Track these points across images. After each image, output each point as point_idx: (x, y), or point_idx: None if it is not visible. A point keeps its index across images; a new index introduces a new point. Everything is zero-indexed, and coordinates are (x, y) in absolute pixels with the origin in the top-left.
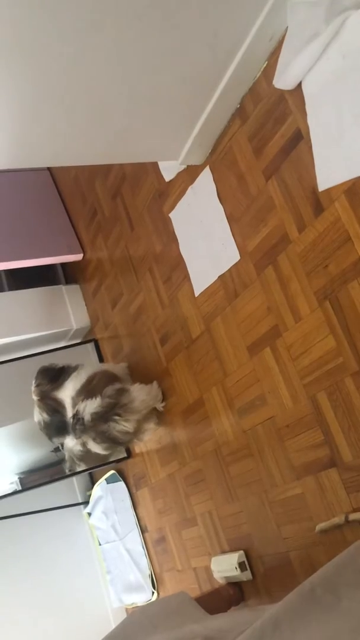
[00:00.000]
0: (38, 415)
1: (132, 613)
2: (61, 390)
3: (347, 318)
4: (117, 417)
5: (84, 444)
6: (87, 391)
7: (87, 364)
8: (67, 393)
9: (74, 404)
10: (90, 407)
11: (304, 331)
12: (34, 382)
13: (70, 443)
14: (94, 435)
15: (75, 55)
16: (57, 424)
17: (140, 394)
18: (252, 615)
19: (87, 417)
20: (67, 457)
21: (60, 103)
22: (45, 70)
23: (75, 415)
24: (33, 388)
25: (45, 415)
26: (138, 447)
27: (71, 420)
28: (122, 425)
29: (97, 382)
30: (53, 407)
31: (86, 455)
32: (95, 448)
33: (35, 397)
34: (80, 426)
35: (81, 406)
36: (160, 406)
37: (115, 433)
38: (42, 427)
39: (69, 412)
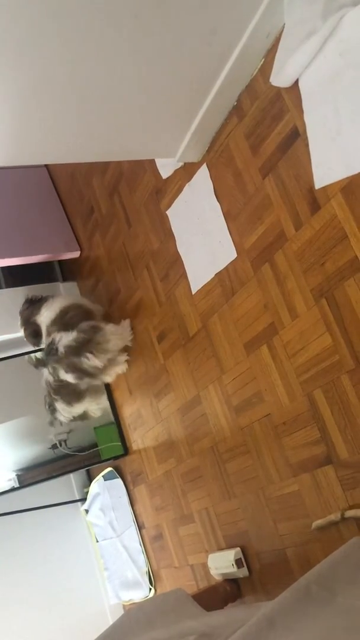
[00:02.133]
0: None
1: (129, 610)
2: (38, 316)
3: (344, 316)
4: (89, 355)
5: (54, 371)
6: (62, 323)
7: (65, 295)
8: (42, 319)
9: (48, 333)
10: (65, 339)
11: (300, 329)
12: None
13: (45, 373)
14: (66, 367)
15: (72, 53)
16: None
17: (114, 336)
18: (249, 612)
19: (60, 348)
20: (45, 388)
21: (57, 101)
22: (41, 69)
23: (50, 345)
24: (19, 315)
25: (30, 339)
26: (135, 445)
27: (46, 347)
28: (94, 362)
29: (72, 316)
30: (34, 330)
31: (62, 388)
32: (66, 377)
33: (20, 323)
34: (53, 356)
35: (57, 337)
36: (129, 342)
37: (85, 367)
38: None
39: (44, 339)
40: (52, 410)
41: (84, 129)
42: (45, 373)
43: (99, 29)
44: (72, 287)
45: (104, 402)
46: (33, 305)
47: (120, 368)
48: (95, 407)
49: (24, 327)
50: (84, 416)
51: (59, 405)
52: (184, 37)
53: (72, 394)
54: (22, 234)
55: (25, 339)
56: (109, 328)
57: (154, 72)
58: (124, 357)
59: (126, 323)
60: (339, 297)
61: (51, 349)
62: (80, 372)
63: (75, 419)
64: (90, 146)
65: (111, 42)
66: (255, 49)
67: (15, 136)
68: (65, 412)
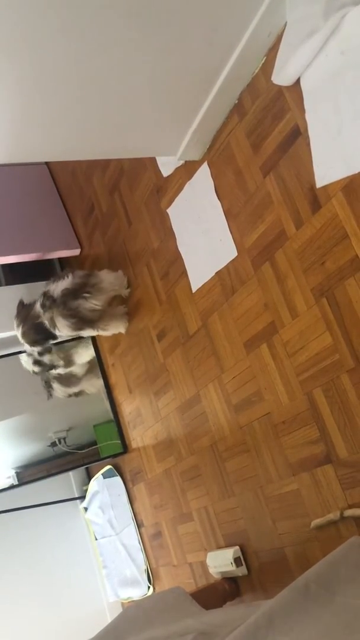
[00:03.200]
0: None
1: (128, 607)
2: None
3: (344, 315)
4: (87, 295)
5: (52, 320)
6: (57, 275)
7: None
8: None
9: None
10: (61, 285)
11: (300, 328)
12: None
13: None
14: (63, 311)
15: (73, 51)
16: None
17: (108, 277)
18: (247, 611)
19: (57, 293)
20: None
21: (58, 98)
22: (42, 66)
23: (46, 294)
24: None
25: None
26: (135, 443)
27: (42, 298)
28: (92, 303)
29: (67, 270)
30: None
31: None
32: (63, 326)
33: (19, 328)
34: (49, 301)
35: (52, 286)
36: (125, 292)
37: (84, 310)
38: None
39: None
40: (49, 386)
41: (85, 127)
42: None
43: (100, 27)
44: None
45: (98, 384)
46: (26, 305)
47: (121, 322)
48: (91, 387)
49: (22, 325)
50: (79, 394)
51: (56, 385)
52: (186, 36)
53: (69, 379)
54: (22, 232)
55: (21, 338)
56: (103, 272)
57: (155, 70)
58: (122, 309)
59: (120, 272)
60: (339, 296)
61: (48, 297)
62: (79, 318)
63: (71, 395)
64: (91, 144)
65: (112, 40)
66: (256, 47)
67: (16, 133)
68: (61, 391)
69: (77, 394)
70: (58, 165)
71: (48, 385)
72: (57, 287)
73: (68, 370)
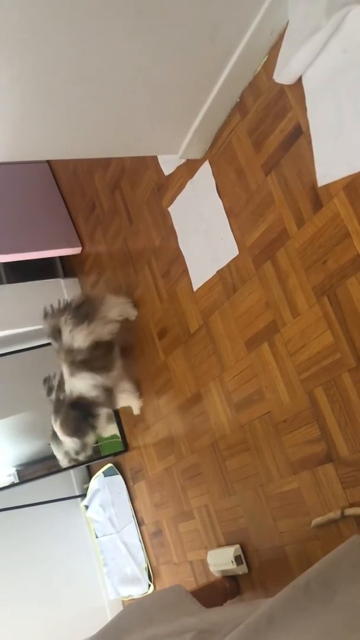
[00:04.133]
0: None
1: (128, 605)
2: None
3: (345, 314)
4: (94, 422)
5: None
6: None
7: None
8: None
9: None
10: (70, 394)
11: (301, 327)
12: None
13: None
14: (68, 429)
15: (74, 48)
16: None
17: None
18: (248, 609)
19: (67, 400)
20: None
21: (59, 97)
22: (44, 64)
23: (59, 400)
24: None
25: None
26: (135, 441)
27: (54, 402)
28: (99, 428)
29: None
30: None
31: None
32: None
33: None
34: (60, 407)
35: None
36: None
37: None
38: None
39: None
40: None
41: (86, 125)
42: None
43: (101, 25)
44: (74, 283)
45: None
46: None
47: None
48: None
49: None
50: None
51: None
52: (187, 34)
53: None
54: (23, 230)
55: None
56: (123, 391)
57: (157, 67)
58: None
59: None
60: (340, 295)
61: (59, 403)
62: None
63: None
64: (93, 142)
65: (114, 38)
66: (258, 45)
67: (18, 132)
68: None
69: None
70: (59, 163)
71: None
72: (72, 388)
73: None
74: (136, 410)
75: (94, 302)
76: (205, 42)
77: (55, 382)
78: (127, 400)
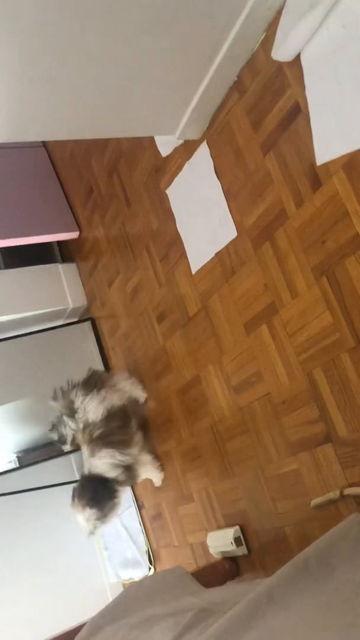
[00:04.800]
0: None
1: (129, 586)
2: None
3: (344, 294)
4: (115, 498)
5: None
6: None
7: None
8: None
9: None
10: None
11: (300, 308)
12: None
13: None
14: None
15: (69, 27)
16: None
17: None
18: (247, 588)
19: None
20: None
21: (55, 76)
22: (40, 44)
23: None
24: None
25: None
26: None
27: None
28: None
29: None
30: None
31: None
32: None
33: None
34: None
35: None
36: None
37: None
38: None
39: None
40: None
41: (83, 104)
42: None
43: (98, 3)
44: (72, 268)
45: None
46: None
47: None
48: None
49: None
50: None
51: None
52: (184, 10)
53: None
54: (20, 215)
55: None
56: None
57: (153, 45)
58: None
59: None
60: (339, 275)
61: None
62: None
63: None
64: (89, 122)
65: (110, 16)
66: (256, 22)
67: (13, 112)
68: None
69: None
70: (56, 147)
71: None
72: (92, 468)
73: None
74: (158, 483)
75: (102, 375)
76: (202, 18)
77: (65, 430)
78: (149, 473)
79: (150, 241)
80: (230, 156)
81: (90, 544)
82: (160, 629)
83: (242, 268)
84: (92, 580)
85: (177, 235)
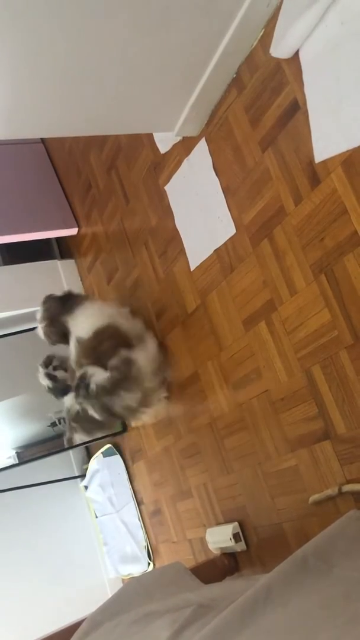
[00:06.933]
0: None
1: (128, 582)
2: (70, 318)
3: (343, 291)
4: (123, 392)
5: (82, 406)
6: (95, 354)
7: (101, 306)
8: (74, 327)
9: (78, 355)
10: (97, 377)
11: (299, 305)
12: (41, 307)
13: (69, 402)
14: (96, 406)
15: (66, 20)
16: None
17: (148, 369)
18: (246, 585)
19: (92, 386)
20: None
21: (53, 72)
22: (36, 37)
23: (81, 379)
24: (41, 312)
25: (54, 337)
26: (134, 421)
27: (76, 380)
28: (127, 401)
29: (107, 344)
30: (62, 332)
31: (81, 417)
32: (94, 414)
33: (43, 323)
34: (83, 392)
35: (89, 371)
36: (165, 373)
37: (117, 408)
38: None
39: (71, 348)
40: (71, 431)
41: (81, 101)
42: (68, 401)
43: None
44: (70, 264)
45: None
46: (65, 302)
47: (157, 408)
48: None
49: (47, 323)
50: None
51: (77, 435)
52: (182, 6)
53: (93, 424)
54: (19, 211)
55: (44, 335)
56: (141, 361)
57: (151, 42)
58: (161, 394)
59: (152, 345)
60: (338, 272)
61: (81, 384)
62: (111, 414)
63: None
64: (87, 119)
65: (107, 11)
66: (255, 18)
67: (9, 108)
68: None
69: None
70: (54, 143)
71: (71, 430)
72: (94, 376)
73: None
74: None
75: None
76: (201, 15)
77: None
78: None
79: (149, 237)
80: (228, 153)
81: (89, 539)
82: (159, 625)
83: (240, 265)
84: (91, 576)
85: (175, 232)
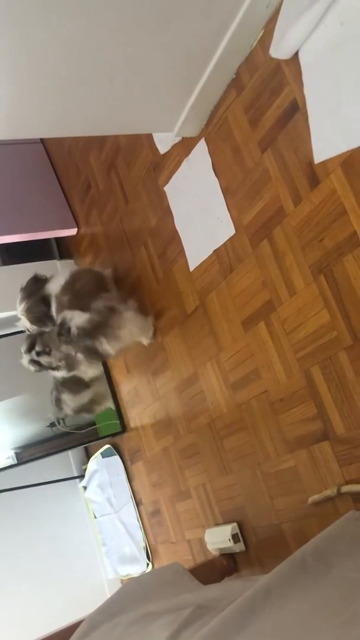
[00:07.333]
0: (26, 323)
1: (127, 583)
2: (47, 285)
3: (342, 292)
4: (102, 338)
5: (65, 349)
6: (73, 293)
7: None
8: (52, 288)
9: (59, 303)
10: (77, 319)
11: (298, 305)
12: (19, 294)
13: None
14: (78, 349)
15: (67, 22)
16: (44, 314)
17: (131, 324)
18: (245, 585)
19: (73, 329)
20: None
21: (52, 72)
22: (36, 39)
23: (62, 325)
24: (19, 296)
25: (37, 313)
26: (133, 422)
27: (57, 328)
28: (106, 347)
29: (84, 284)
30: (44, 304)
31: (68, 381)
32: (78, 356)
33: (23, 302)
34: (65, 337)
35: (68, 315)
36: (146, 342)
37: (99, 350)
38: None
39: (54, 310)
40: (59, 403)
41: (80, 101)
42: (57, 375)
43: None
44: (70, 264)
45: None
46: (38, 280)
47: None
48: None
49: (26, 298)
50: (89, 408)
51: (65, 396)
52: (182, 7)
53: (78, 384)
54: (18, 211)
55: (28, 320)
56: (129, 315)
57: (151, 42)
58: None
59: (149, 320)
60: (337, 273)
61: (63, 330)
62: (94, 355)
63: (80, 409)
64: (87, 119)
65: (106, 11)
66: (254, 19)
67: (9, 109)
68: (71, 401)
69: (87, 410)
70: (54, 143)
71: (58, 403)
72: (73, 319)
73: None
74: (146, 340)
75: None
76: (201, 16)
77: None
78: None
79: (148, 238)
80: (228, 153)
81: (88, 540)
82: (158, 626)
83: (240, 265)
84: (90, 577)
85: (175, 232)
